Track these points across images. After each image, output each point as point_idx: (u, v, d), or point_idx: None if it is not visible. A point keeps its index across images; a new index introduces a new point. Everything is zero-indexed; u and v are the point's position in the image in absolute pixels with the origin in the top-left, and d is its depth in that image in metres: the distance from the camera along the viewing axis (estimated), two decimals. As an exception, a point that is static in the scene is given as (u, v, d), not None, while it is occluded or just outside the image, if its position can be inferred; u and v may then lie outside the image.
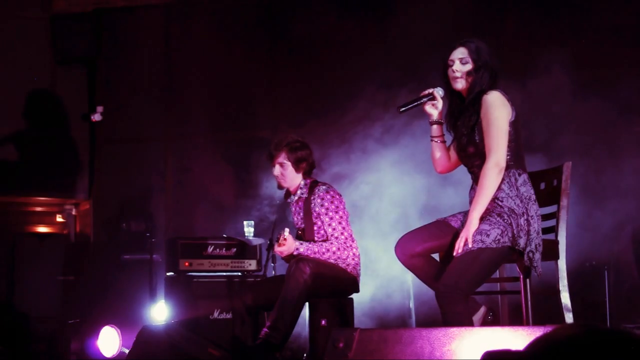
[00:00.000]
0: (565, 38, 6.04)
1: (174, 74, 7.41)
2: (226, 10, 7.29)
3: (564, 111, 5.74)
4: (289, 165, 4.75)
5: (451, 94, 3.79)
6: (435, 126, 3.87)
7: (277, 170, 4.78)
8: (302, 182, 4.78)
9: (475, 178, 3.67)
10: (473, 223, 3.49)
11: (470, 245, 3.43)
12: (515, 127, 3.60)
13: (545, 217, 3.85)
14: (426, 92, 3.83)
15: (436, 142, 3.89)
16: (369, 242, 5.75)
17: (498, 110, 3.54)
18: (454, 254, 3.48)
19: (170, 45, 7.44)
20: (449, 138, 3.90)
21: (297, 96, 6.94)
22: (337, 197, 4.69)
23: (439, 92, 3.82)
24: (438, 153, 3.89)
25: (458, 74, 3.68)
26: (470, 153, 3.65)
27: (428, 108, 3.85)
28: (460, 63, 3.68)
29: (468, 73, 3.67)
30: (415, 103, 3.83)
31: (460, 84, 3.70)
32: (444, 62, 3.75)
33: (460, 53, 3.70)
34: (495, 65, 3.68)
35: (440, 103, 3.83)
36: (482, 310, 3.75)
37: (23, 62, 7.28)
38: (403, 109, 3.81)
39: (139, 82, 7.45)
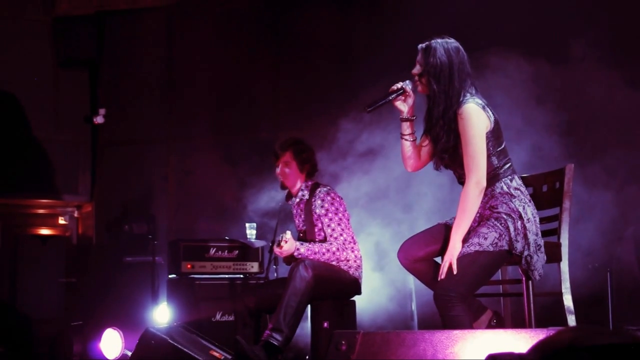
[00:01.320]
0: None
1: (176, 76, 7.41)
2: (228, 12, 7.29)
3: (576, 112, 5.65)
4: (293, 165, 4.77)
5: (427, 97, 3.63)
6: (405, 123, 3.65)
7: (281, 169, 4.79)
8: (304, 184, 4.79)
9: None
10: (456, 247, 3.42)
11: (455, 272, 3.37)
12: (496, 133, 3.48)
13: (548, 220, 3.84)
14: (395, 87, 3.63)
15: (407, 140, 3.68)
16: (370, 244, 5.74)
17: (474, 128, 3.41)
18: (438, 278, 3.43)
19: (172, 48, 7.44)
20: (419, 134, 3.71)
21: (300, 98, 6.94)
22: (338, 199, 4.70)
23: (408, 86, 3.60)
24: (409, 151, 3.68)
25: (416, 77, 3.59)
26: (457, 164, 3.56)
27: (398, 104, 3.63)
28: (418, 65, 3.58)
29: (419, 76, 3.57)
30: (383, 101, 3.58)
31: (419, 87, 3.60)
32: None
33: (418, 55, 3.60)
34: (449, 66, 3.47)
35: (411, 98, 3.63)
36: (488, 314, 3.72)
37: (25, 64, 7.29)
38: (370, 108, 3.59)
39: (141, 84, 7.46)
